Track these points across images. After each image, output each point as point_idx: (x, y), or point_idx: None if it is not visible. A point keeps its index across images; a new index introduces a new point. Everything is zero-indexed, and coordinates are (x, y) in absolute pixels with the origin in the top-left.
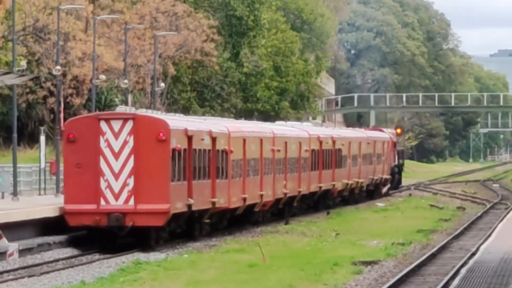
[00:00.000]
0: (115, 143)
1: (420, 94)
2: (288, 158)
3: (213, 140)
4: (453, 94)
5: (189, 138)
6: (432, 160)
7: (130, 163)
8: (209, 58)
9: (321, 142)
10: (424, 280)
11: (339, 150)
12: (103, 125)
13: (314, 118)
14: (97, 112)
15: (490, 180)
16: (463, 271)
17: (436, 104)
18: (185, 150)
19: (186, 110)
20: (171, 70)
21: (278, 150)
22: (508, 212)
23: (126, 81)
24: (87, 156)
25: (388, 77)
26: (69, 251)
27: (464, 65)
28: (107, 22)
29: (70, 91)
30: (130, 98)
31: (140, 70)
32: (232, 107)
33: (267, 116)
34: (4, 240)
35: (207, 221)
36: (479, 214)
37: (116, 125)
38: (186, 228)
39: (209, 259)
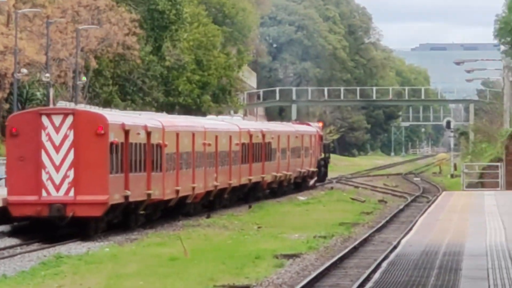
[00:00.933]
0: (56, 137)
1: (342, 88)
2: (219, 151)
3: (148, 134)
4: (374, 88)
5: (126, 132)
6: (353, 153)
7: (70, 156)
8: (131, 52)
9: (251, 136)
10: (346, 273)
11: (269, 143)
12: (45, 119)
13: (236, 112)
14: (39, 107)
15: (412, 173)
16: (384, 264)
17: (358, 98)
18: (122, 144)
19: (107, 104)
20: (93, 64)
21: (209, 144)
22: (429, 206)
23: (48, 75)
24: (29, 149)
25: (309, 71)
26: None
27: (385, 59)
28: (29, 16)
29: None
30: (52, 92)
31: (62, 63)
32: (154, 101)
33: (189, 109)
34: None
35: (142, 212)
36: (400, 207)
37: (57, 119)
38: (122, 219)
39: (130, 252)
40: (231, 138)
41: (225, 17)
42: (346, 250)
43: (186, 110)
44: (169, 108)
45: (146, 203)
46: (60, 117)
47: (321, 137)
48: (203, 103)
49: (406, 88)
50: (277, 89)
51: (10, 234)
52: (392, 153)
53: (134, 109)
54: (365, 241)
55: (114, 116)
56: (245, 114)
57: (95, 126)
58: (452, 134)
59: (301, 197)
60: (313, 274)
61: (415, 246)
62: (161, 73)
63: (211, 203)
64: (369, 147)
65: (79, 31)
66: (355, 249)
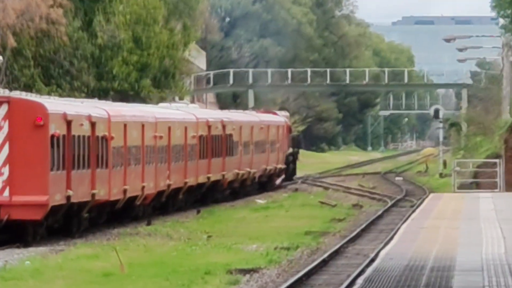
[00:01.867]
0: None
1: (308, 70)
2: (172, 145)
3: (93, 125)
4: (347, 70)
5: (68, 123)
6: (322, 148)
7: (5, 151)
8: (56, 27)
9: (209, 127)
10: None
11: (230, 136)
12: None
13: (181, 99)
14: None
15: (392, 172)
16: (359, 281)
17: (327, 82)
18: (64, 136)
19: (28, 88)
20: (11, 42)
21: (161, 137)
22: (413, 211)
23: None
24: None
25: (269, 50)
26: None
27: (361, 35)
28: None
29: None
30: None
31: None
32: (84, 86)
33: (125, 96)
34: None
35: (86, 215)
36: (379, 213)
37: None
38: (63, 223)
39: (56, 266)
40: (186, 130)
41: None
42: (314, 264)
43: (122, 96)
44: (101, 94)
45: (91, 205)
46: None
47: (289, 129)
48: (142, 88)
49: (386, 70)
50: (231, 71)
51: None
52: (369, 148)
53: (60, 95)
54: (336, 253)
55: (55, 104)
56: (192, 101)
57: (33, 116)
58: (441, 125)
59: (260, 200)
60: None
61: (396, 260)
62: (92, 53)
63: (164, 205)
64: (341, 141)
65: None
66: (324, 262)
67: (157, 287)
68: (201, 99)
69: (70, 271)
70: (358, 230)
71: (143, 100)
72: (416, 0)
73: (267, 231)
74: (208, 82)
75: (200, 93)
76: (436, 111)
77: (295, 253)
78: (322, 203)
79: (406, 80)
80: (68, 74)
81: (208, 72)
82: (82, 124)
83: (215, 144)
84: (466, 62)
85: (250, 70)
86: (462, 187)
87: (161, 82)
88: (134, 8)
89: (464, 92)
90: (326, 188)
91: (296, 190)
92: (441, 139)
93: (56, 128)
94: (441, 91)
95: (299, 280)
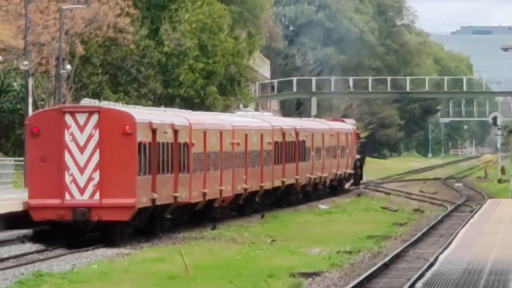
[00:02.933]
0: (80, 137)
1: (370, 78)
2: (249, 151)
3: (175, 133)
4: (408, 78)
5: (153, 131)
6: (384, 154)
7: (96, 157)
8: (124, 36)
9: (284, 134)
10: None
11: (303, 142)
12: (68, 118)
13: (245, 106)
14: (62, 105)
15: (452, 178)
16: (419, 284)
17: (389, 89)
18: (149, 143)
19: (96, 96)
20: (79, 50)
21: (238, 143)
22: (472, 216)
23: (26, 62)
24: (51, 150)
25: (332, 58)
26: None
27: (421, 44)
28: None
29: None
30: (31, 82)
31: (43, 49)
32: (151, 93)
33: (191, 103)
34: None
35: (168, 216)
36: (439, 218)
37: (81, 118)
38: (148, 223)
39: (122, 269)
40: (262, 137)
41: None
42: (375, 267)
43: (188, 103)
44: (168, 101)
45: (173, 207)
46: (85, 116)
47: (357, 135)
48: (207, 95)
49: (446, 78)
50: (295, 79)
51: (32, 239)
52: (430, 154)
53: (128, 102)
54: (397, 257)
55: (141, 114)
56: (256, 109)
57: (122, 125)
58: (499, 132)
59: (323, 205)
60: None
61: (455, 263)
62: (158, 61)
63: (241, 207)
64: (402, 147)
65: (63, 12)
66: (385, 266)
67: None
68: (265, 106)
69: (136, 274)
70: (418, 234)
71: (208, 107)
72: (475, 10)
73: (330, 235)
74: (272, 89)
75: (264, 101)
76: (495, 118)
77: (357, 257)
78: (384, 208)
79: (465, 88)
80: (135, 81)
81: (272, 80)
82: (166, 132)
83: (289, 150)
84: None
85: (314, 78)
86: None
87: (226, 89)
88: (199, 17)
89: None
90: (388, 194)
91: (359, 195)
92: (499, 145)
93: (143, 136)
94: (499, 98)
95: (361, 283)
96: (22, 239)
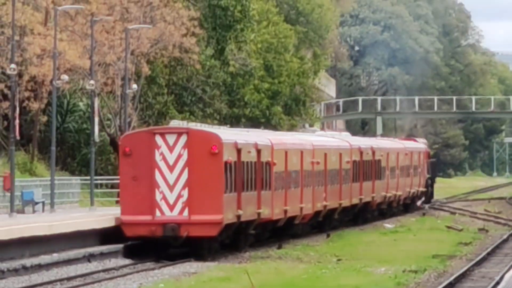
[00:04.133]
0: (170, 157)
1: (435, 98)
2: (328, 170)
3: (258, 152)
4: (473, 98)
5: (238, 151)
6: (449, 174)
7: (185, 176)
8: (189, 56)
9: (361, 153)
10: None
11: (379, 161)
12: (158, 139)
13: (311, 125)
14: (152, 127)
15: None
16: None
17: (454, 109)
18: (235, 162)
19: (162, 116)
20: (145, 70)
21: (318, 162)
22: None
23: (92, 82)
24: (142, 169)
25: (397, 78)
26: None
27: (486, 63)
28: (71, 13)
29: (26, 93)
30: (97, 102)
31: (108, 69)
32: (216, 113)
33: (257, 122)
34: None
35: (252, 232)
36: (504, 237)
37: (171, 139)
38: (233, 239)
39: None
40: (341, 156)
41: (299, 15)
42: (441, 286)
43: (254, 123)
44: (233, 121)
45: (256, 223)
46: (174, 136)
47: (428, 155)
48: (273, 115)
49: (511, 98)
50: (360, 98)
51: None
52: (495, 174)
53: (194, 122)
54: (462, 276)
55: (227, 134)
56: (322, 128)
57: (209, 145)
58: None
59: (388, 224)
60: None
61: None
62: (224, 81)
63: (320, 224)
64: (467, 167)
65: (128, 31)
66: (451, 285)
67: None
68: (330, 126)
69: None
70: (484, 253)
71: (274, 127)
72: None
73: (396, 255)
74: (337, 109)
75: (329, 120)
76: None
77: (423, 276)
78: (449, 227)
79: None
80: (200, 101)
81: (337, 99)
82: (250, 152)
83: (366, 168)
84: None
85: (379, 98)
86: None
87: (291, 109)
88: (265, 37)
89: None
90: (453, 213)
91: (424, 214)
92: None
93: (228, 156)
94: None
95: None
96: (88, 258)
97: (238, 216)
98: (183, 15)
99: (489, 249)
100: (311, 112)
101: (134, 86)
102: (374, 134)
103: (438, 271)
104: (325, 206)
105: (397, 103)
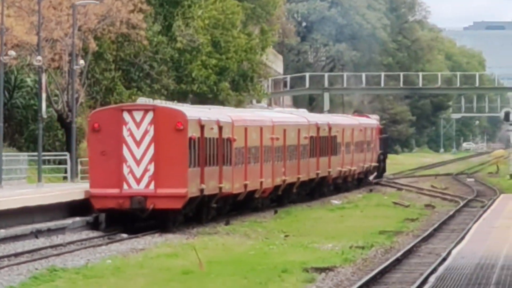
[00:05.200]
0: (137, 132)
1: (382, 74)
2: (287, 145)
3: (220, 129)
4: (420, 74)
5: (202, 128)
6: (396, 150)
7: (151, 151)
8: (137, 32)
9: (318, 129)
10: None
11: (335, 137)
12: (126, 115)
13: (258, 102)
14: (120, 104)
15: (464, 173)
16: (432, 279)
17: (401, 85)
18: (198, 138)
19: (109, 91)
20: (92, 46)
21: (277, 138)
22: (484, 211)
23: (39, 58)
24: (111, 144)
25: (345, 54)
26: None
27: (433, 40)
28: None
29: None
30: (44, 78)
31: (56, 45)
32: (163, 89)
33: (204, 98)
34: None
35: (214, 205)
36: (450, 213)
37: (138, 115)
38: (196, 212)
39: (136, 265)
40: (299, 132)
41: None
42: (388, 262)
43: (201, 99)
44: (181, 96)
45: (218, 197)
46: (141, 113)
47: (381, 131)
48: (220, 91)
49: (458, 74)
50: (307, 75)
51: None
52: (441, 150)
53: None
54: (409, 252)
55: (191, 111)
56: (269, 104)
57: (174, 122)
58: (511, 128)
59: (335, 201)
60: None
61: (468, 258)
62: (171, 57)
63: (279, 198)
64: (414, 143)
65: (76, 8)
66: (398, 261)
67: (236, 285)
68: (277, 102)
69: (150, 269)
70: (430, 229)
71: (222, 103)
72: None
73: (343, 231)
74: (285, 85)
75: (277, 96)
76: (507, 114)
77: (370, 252)
78: (395, 203)
79: (477, 84)
80: (148, 77)
81: (285, 76)
82: (212, 128)
83: (323, 144)
84: None
85: (326, 74)
86: None
87: (239, 85)
88: (213, 13)
89: None
90: (399, 189)
91: (371, 191)
92: (511, 141)
93: (193, 132)
94: (511, 94)
95: (373, 278)
96: (36, 234)
97: (201, 190)
98: None
99: (435, 225)
100: (258, 88)
101: (82, 62)
102: (321, 110)
103: (385, 247)
104: (284, 181)
105: (345, 79)
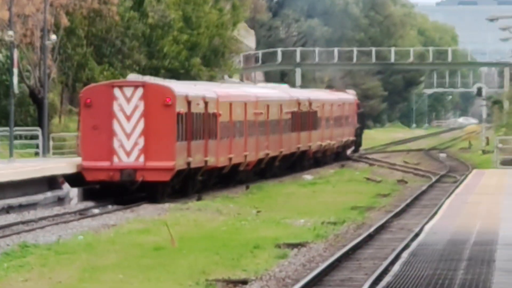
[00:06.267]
0: (127, 107)
1: (354, 49)
2: (270, 120)
3: (206, 104)
4: (392, 49)
5: (189, 103)
6: (368, 125)
7: (141, 125)
8: (108, 7)
9: (299, 104)
10: (360, 266)
11: (315, 112)
12: (117, 91)
13: (230, 77)
14: (112, 80)
15: (436, 149)
16: (404, 254)
17: (373, 60)
18: (186, 114)
19: (81, 67)
20: (64, 21)
21: (261, 113)
22: (456, 187)
23: (11, 33)
24: (102, 119)
25: (316, 30)
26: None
27: (405, 15)
28: None
29: None
30: (16, 53)
31: (27, 21)
32: (135, 64)
33: (175, 74)
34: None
35: (200, 178)
36: (423, 188)
37: (128, 91)
38: (182, 185)
39: (108, 241)
40: (281, 107)
41: None
42: (360, 238)
43: (173, 74)
44: (152, 72)
45: (204, 170)
46: (131, 89)
47: (358, 106)
48: (192, 66)
49: (430, 49)
50: (279, 50)
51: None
52: (414, 125)
53: (112, 73)
54: (381, 228)
55: (179, 87)
56: (241, 79)
57: (163, 98)
58: (484, 103)
59: (307, 176)
60: (322, 266)
61: (440, 234)
62: (143, 32)
63: (263, 170)
64: (386, 118)
65: None
66: (370, 237)
67: (208, 260)
68: (249, 77)
69: (122, 245)
70: (402, 205)
71: (193, 78)
72: None
73: (315, 206)
74: (256, 61)
75: (248, 72)
76: (479, 89)
77: (342, 228)
78: (367, 179)
79: (450, 59)
80: (119, 52)
81: (256, 51)
82: (198, 104)
83: (304, 119)
84: (508, 42)
85: (298, 49)
86: (504, 163)
87: (210, 60)
88: None
89: (507, 71)
90: (371, 164)
91: (343, 166)
92: (484, 116)
93: (180, 107)
94: (484, 69)
95: (346, 254)
96: (7, 209)
97: (188, 163)
98: None
99: (408, 201)
100: (230, 63)
101: (53, 37)
102: (293, 86)
103: (357, 222)
104: (267, 154)
105: (316, 54)
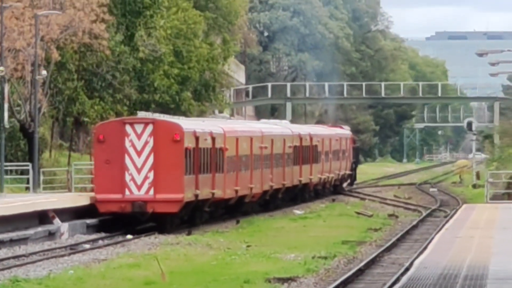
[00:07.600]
0: (138, 143)
1: (345, 84)
2: (274, 154)
3: (213, 139)
4: (383, 84)
5: (197, 139)
6: (359, 160)
7: (151, 160)
8: (99, 42)
9: (301, 139)
10: None
11: (316, 146)
12: (128, 128)
13: (221, 111)
14: (123, 118)
15: (427, 183)
16: None
17: (364, 95)
18: (193, 148)
19: (72, 101)
20: (55, 56)
21: (266, 147)
22: (447, 221)
23: (2, 68)
24: (114, 153)
25: (307, 64)
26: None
27: (396, 49)
28: None
29: None
30: (6, 88)
31: (18, 55)
32: (126, 98)
33: (166, 108)
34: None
35: (207, 209)
36: (414, 223)
37: (139, 128)
38: (190, 215)
39: (98, 275)
40: (285, 141)
41: (208, 1)
42: (350, 272)
43: (163, 109)
44: (143, 106)
45: (211, 201)
46: (142, 126)
47: (353, 140)
48: (182, 101)
49: (421, 83)
50: (269, 84)
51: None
52: (405, 160)
53: (103, 108)
54: (372, 263)
55: (187, 124)
56: (232, 114)
57: (172, 134)
58: (474, 138)
59: (298, 210)
60: None
61: (430, 268)
62: (134, 66)
63: (267, 202)
64: (377, 153)
65: (38, 18)
66: (360, 271)
67: None
68: (240, 112)
69: (113, 279)
70: (393, 239)
71: (184, 113)
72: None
73: (305, 241)
74: (247, 95)
75: (239, 106)
76: (469, 124)
77: (332, 262)
78: (358, 213)
79: (440, 94)
80: (110, 87)
81: (247, 85)
82: (206, 139)
83: (305, 153)
84: (498, 76)
85: (288, 84)
86: (495, 197)
87: (201, 95)
88: (174, 23)
89: (497, 105)
90: (362, 199)
91: (334, 200)
92: (474, 150)
93: (188, 143)
94: (474, 104)
95: None
96: None
97: (196, 195)
98: (92, 1)
99: (398, 235)
100: (220, 97)
101: (44, 72)
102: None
103: (348, 257)
104: (271, 187)
105: (307, 88)
